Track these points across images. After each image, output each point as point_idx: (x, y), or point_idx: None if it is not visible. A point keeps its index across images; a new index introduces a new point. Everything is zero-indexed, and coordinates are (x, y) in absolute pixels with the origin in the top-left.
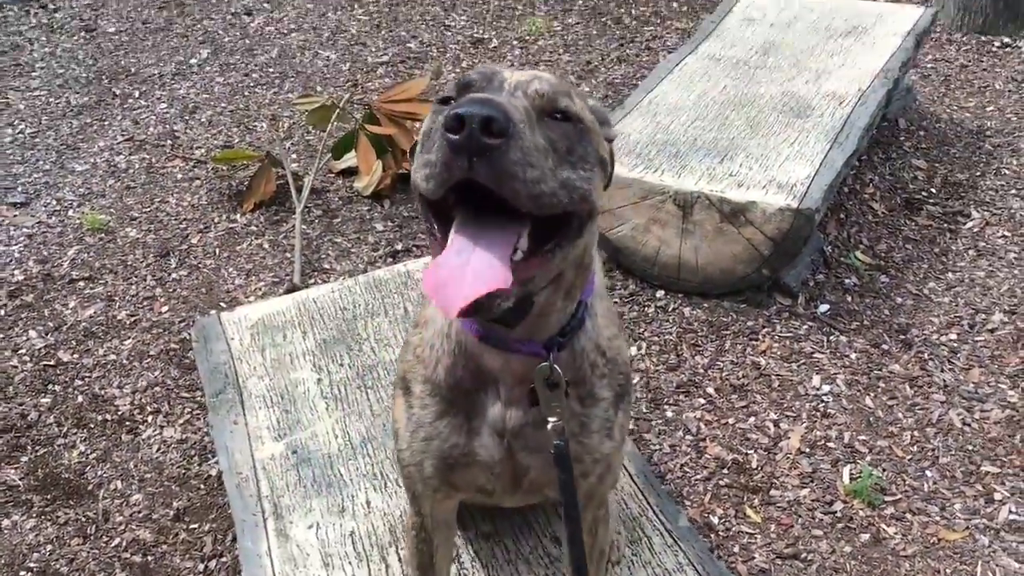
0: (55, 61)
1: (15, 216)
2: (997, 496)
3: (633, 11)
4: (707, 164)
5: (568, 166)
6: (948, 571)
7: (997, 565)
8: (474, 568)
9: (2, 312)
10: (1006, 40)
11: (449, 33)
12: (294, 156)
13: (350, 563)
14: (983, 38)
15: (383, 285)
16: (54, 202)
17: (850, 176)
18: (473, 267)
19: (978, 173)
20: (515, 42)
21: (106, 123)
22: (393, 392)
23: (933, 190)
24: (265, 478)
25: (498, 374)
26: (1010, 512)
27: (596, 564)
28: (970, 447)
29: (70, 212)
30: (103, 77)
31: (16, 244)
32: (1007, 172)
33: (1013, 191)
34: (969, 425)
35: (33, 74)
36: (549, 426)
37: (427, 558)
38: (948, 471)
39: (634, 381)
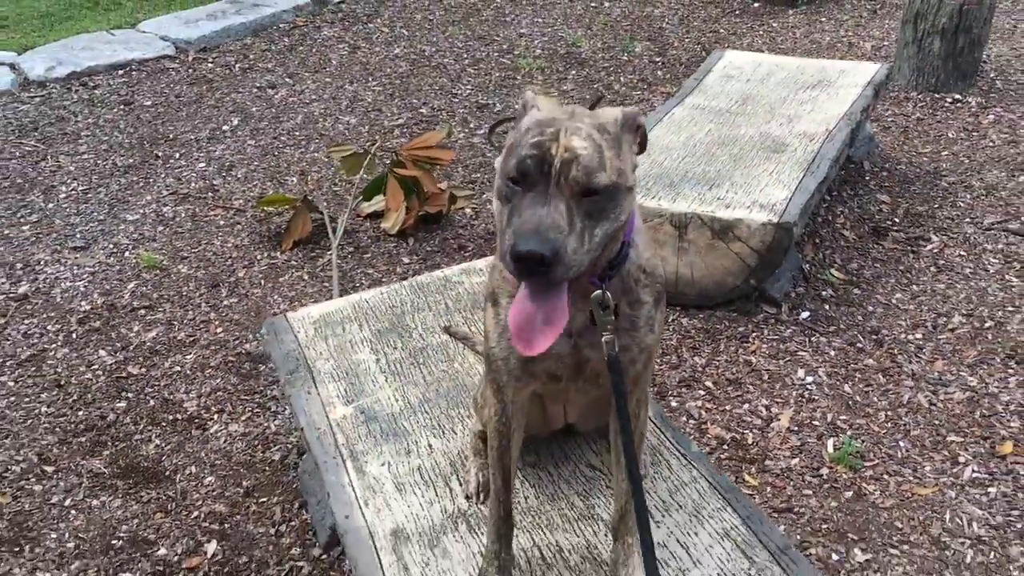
0: (99, 130)
1: (77, 258)
2: (961, 459)
3: (622, 79)
4: (698, 191)
5: (603, 221)
6: (921, 518)
7: (963, 512)
8: (524, 487)
9: (74, 336)
10: (956, 96)
11: (456, 100)
12: (324, 203)
13: (419, 488)
14: (936, 95)
15: (425, 287)
16: (111, 246)
17: (823, 207)
18: (544, 313)
19: (936, 205)
20: (517, 107)
21: (151, 180)
22: (483, 306)
23: (896, 219)
24: (340, 432)
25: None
26: (972, 471)
27: (638, 443)
28: (936, 422)
29: (126, 253)
30: (144, 142)
31: (80, 280)
32: (961, 204)
33: (967, 219)
34: (935, 405)
35: (80, 141)
36: (603, 339)
37: (506, 440)
38: (918, 441)
39: None
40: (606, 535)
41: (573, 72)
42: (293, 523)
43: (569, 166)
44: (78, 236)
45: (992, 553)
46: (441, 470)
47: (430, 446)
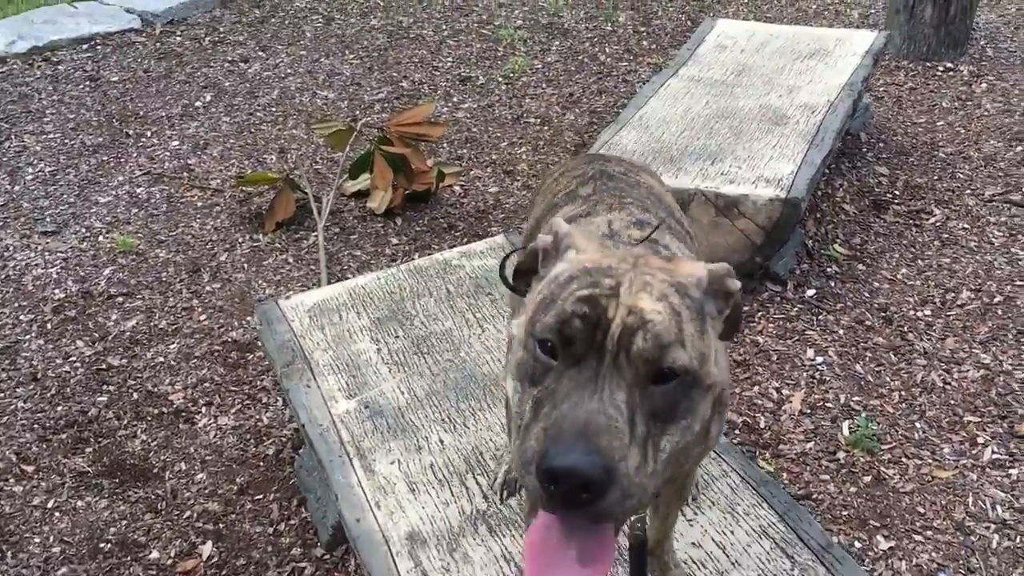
0: (64, 107)
1: (48, 243)
2: (980, 440)
3: (607, 49)
4: (700, 166)
5: (672, 426)
6: (943, 503)
7: (985, 495)
8: None
9: (48, 326)
10: (948, 65)
11: (438, 73)
12: (307, 182)
13: (433, 488)
14: (928, 64)
15: (424, 271)
16: (83, 230)
17: (822, 181)
18: (580, 548)
19: (935, 177)
20: (500, 79)
21: (122, 160)
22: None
23: (896, 192)
24: (344, 428)
25: None
26: (992, 452)
27: (680, 502)
28: (952, 402)
29: (99, 238)
30: (113, 120)
31: (53, 267)
32: (960, 176)
33: (968, 191)
34: (950, 384)
35: (45, 120)
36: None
37: None
38: (935, 422)
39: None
40: None
41: (556, 43)
42: (292, 521)
43: (634, 336)
44: (48, 220)
45: (1019, 537)
46: (455, 467)
47: (441, 442)
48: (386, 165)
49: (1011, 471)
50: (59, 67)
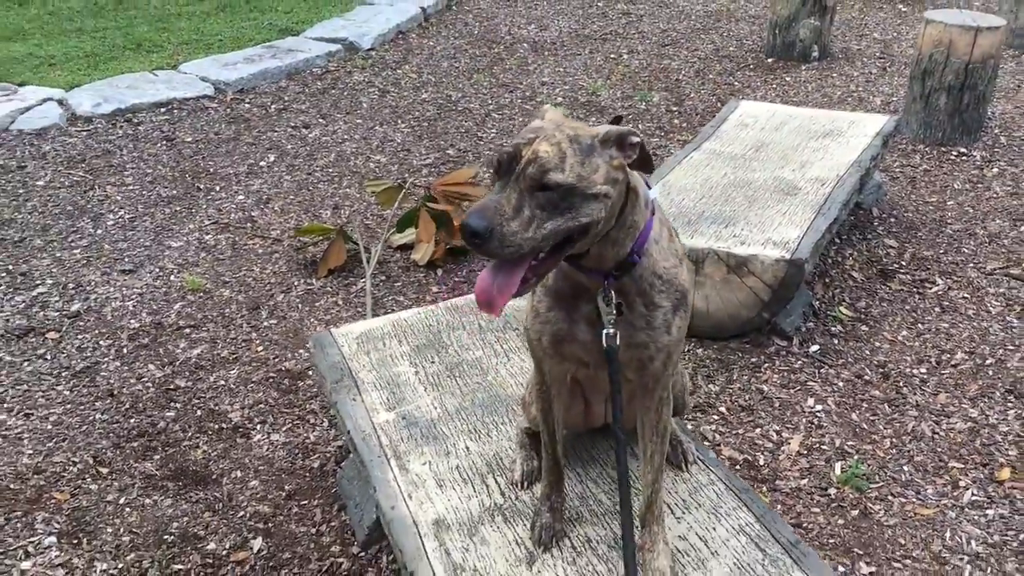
0: (143, 163)
1: (125, 280)
2: (962, 483)
3: (640, 126)
4: (714, 229)
5: (557, 216)
6: (923, 536)
7: (962, 531)
8: None
9: (125, 351)
10: (962, 150)
11: (482, 142)
12: (357, 234)
13: (458, 485)
14: (943, 148)
15: (459, 308)
16: (157, 269)
17: (833, 249)
18: (497, 284)
19: (941, 250)
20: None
21: (193, 210)
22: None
23: (903, 263)
24: (384, 434)
25: (587, 286)
26: (972, 494)
27: (660, 437)
28: (939, 449)
29: (171, 277)
30: (186, 175)
31: (130, 300)
32: (966, 250)
33: (971, 264)
34: (938, 434)
35: (125, 173)
36: (604, 331)
37: (547, 404)
38: (921, 466)
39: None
40: (634, 527)
41: (593, 119)
42: (333, 524)
43: (529, 164)
44: (126, 260)
45: (989, 569)
46: (478, 469)
47: (467, 448)
48: (430, 220)
49: (987, 511)
50: (139, 127)
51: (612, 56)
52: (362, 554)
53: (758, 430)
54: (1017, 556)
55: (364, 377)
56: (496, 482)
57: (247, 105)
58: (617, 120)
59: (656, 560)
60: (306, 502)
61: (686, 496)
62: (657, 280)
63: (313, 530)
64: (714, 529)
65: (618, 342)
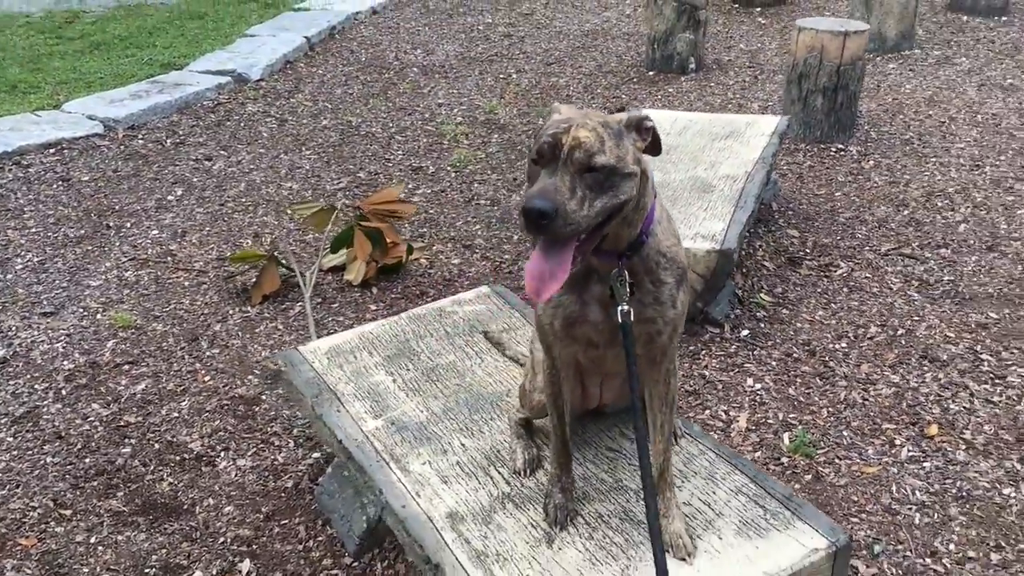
0: (42, 205)
1: (49, 322)
2: (897, 442)
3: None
4: None
5: (603, 195)
6: (872, 492)
7: (906, 484)
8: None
9: (63, 392)
10: (839, 146)
11: (391, 164)
12: (288, 259)
13: (462, 479)
14: (822, 145)
15: (422, 318)
16: (80, 309)
17: (745, 242)
18: (551, 267)
19: (838, 237)
20: (448, 168)
21: (106, 248)
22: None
23: (807, 250)
24: (376, 440)
25: (598, 268)
26: (908, 451)
27: (669, 407)
28: (871, 414)
29: (97, 316)
30: (92, 214)
31: (58, 342)
32: (860, 235)
33: (867, 247)
34: (868, 400)
35: (25, 216)
36: (619, 308)
37: (557, 388)
38: (859, 430)
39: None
40: (638, 500)
41: (495, 136)
42: (320, 538)
43: (574, 150)
44: (44, 303)
45: (935, 514)
46: (479, 463)
47: (463, 445)
48: (365, 239)
49: (924, 464)
50: (30, 170)
51: (502, 76)
52: (355, 564)
53: (707, 412)
54: (957, 501)
55: (343, 389)
56: (499, 472)
57: (141, 141)
58: (621, 109)
59: (672, 524)
60: (287, 521)
61: (682, 467)
62: (662, 258)
63: (300, 547)
64: (714, 493)
65: (639, 301)
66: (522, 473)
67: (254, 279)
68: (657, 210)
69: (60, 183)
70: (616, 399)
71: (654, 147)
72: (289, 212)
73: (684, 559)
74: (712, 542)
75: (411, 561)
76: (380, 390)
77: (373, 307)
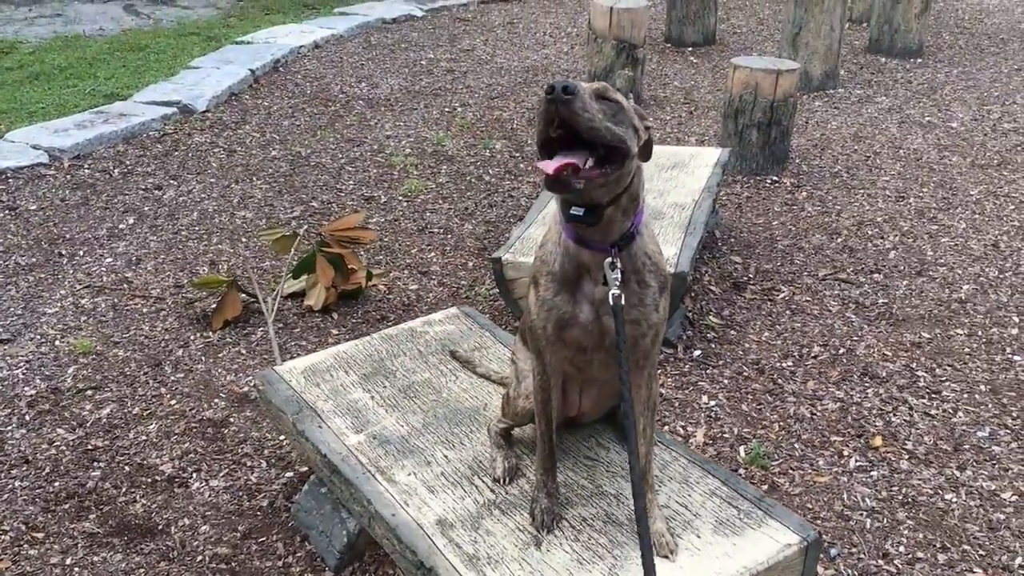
0: None
1: (5, 350)
2: (845, 453)
3: (491, 171)
4: None
5: (612, 122)
6: (825, 499)
7: (856, 492)
8: (530, 472)
9: (27, 418)
10: (774, 178)
11: (343, 194)
12: (248, 284)
13: (447, 489)
14: (758, 177)
15: (394, 337)
16: (38, 336)
17: (693, 267)
18: (561, 160)
19: (779, 263)
20: (400, 198)
21: (60, 276)
22: (527, 290)
23: (751, 276)
24: (360, 454)
25: (589, 265)
26: (856, 461)
27: (651, 411)
28: (820, 427)
29: (56, 342)
30: (42, 242)
31: (17, 369)
32: (798, 262)
33: (805, 273)
34: (815, 414)
35: None
36: (610, 292)
37: (547, 395)
38: (809, 443)
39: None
40: (618, 504)
41: (444, 167)
42: (299, 554)
43: (591, 85)
44: (0, 330)
45: (884, 519)
46: (463, 473)
47: (446, 456)
48: (327, 264)
49: (872, 473)
50: None
51: (447, 109)
52: None
53: (666, 428)
54: (903, 507)
55: (322, 406)
56: (483, 482)
57: (87, 170)
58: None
59: (654, 524)
60: (264, 539)
61: (657, 472)
62: (647, 260)
63: (280, 563)
64: (690, 495)
65: (623, 302)
66: (502, 481)
67: (214, 305)
68: (644, 215)
69: (7, 211)
70: (593, 409)
71: (645, 149)
72: (258, 237)
73: (667, 556)
74: (692, 541)
75: (392, 574)
76: (359, 406)
77: (335, 331)
